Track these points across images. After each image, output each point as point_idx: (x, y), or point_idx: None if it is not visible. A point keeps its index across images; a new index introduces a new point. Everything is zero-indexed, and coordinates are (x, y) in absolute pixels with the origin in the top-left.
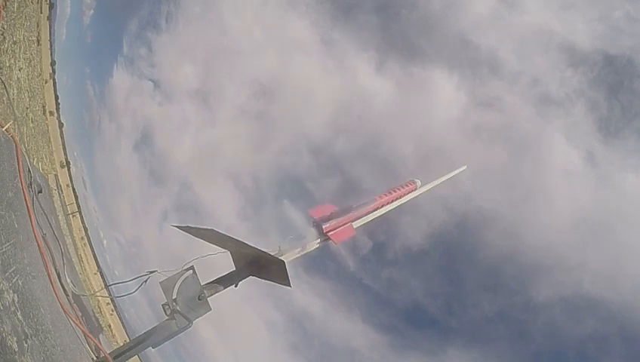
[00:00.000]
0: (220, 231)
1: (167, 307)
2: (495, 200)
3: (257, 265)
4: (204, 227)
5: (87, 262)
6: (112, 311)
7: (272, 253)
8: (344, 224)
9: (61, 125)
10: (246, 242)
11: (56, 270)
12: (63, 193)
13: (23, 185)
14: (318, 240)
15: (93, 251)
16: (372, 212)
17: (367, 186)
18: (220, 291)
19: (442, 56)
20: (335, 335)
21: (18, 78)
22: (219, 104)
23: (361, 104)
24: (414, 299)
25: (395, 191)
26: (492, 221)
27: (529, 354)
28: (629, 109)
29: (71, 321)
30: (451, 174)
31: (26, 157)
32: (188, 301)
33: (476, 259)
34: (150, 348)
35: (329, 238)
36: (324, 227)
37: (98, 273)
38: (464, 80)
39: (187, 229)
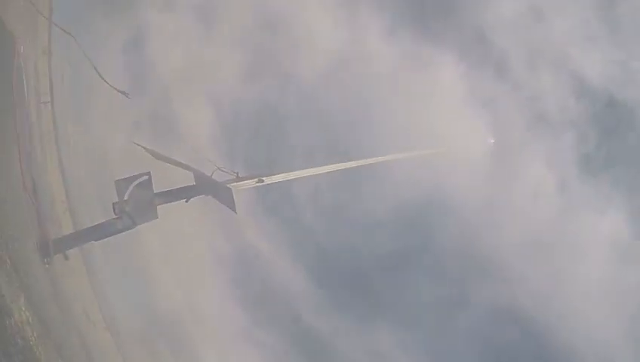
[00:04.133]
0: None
1: (116, 206)
2: (464, 195)
3: (211, 186)
4: (166, 155)
5: (51, 157)
6: (65, 208)
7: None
8: None
9: (51, 11)
10: (200, 169)
11: (20, 153)
12: (39, 80)
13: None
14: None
15: (57, 145)
16: None
17: (344, 146)
18: (170, 202)
19: (455, 44)
20: (277, 280)
21: None
22: (219, 25)
23: (362, 64)
24: (361, 264)
25: None
26: (455, 213)
27: (448, 350)
28: (614, 156)
29: (26, 201)
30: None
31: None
32: (138, 204)
33: (429, 246)
34: (92, 241)
35: None
36: None
37: (59, 169)
38: (469, 73)
39: (151, 151)
